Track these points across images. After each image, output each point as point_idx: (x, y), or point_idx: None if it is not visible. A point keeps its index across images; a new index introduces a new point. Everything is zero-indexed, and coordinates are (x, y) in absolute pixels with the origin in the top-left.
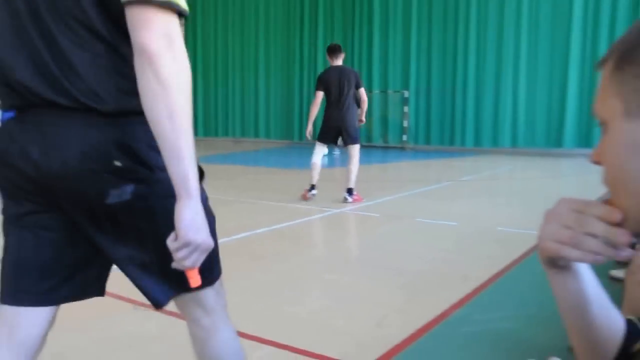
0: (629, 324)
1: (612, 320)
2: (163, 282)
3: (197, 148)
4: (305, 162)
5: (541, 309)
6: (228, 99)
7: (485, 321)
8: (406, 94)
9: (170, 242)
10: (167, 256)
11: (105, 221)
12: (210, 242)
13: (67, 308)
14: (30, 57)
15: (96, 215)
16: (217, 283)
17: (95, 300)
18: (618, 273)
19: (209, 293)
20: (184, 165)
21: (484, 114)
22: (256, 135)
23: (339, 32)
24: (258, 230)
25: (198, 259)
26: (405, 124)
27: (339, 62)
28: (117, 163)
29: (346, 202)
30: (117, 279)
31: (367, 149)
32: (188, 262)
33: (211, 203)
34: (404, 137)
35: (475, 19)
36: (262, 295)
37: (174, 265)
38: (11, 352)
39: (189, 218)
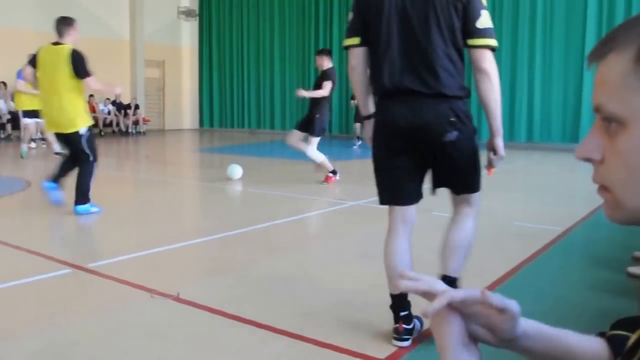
0: (610, 339)
1: (590, 351)
2: (459, 185)
3: (212, 139)
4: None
5: (557, 304)
6: (244, 90)
7: None
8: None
9: (492, 156)
10: (466, 171)
11: (438, 153)
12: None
13: (84, 295)
14: (410, 66)
15: (432, 149)
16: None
17: (112, 288)
18: (636, 270)
19: (476, 196)
20: (499, 121)
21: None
22: (272, 127)
23: None
24: (273, 222)
25: (499, 164)
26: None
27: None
28: (452, 118)
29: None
30: (134, 268)
31: None
32: (496, 165)
33: (225, 193)
34: None
35: (491, 15)
36: (278, 285)
37: (487, 165)
38: (405, 226)
39: (501, 145)
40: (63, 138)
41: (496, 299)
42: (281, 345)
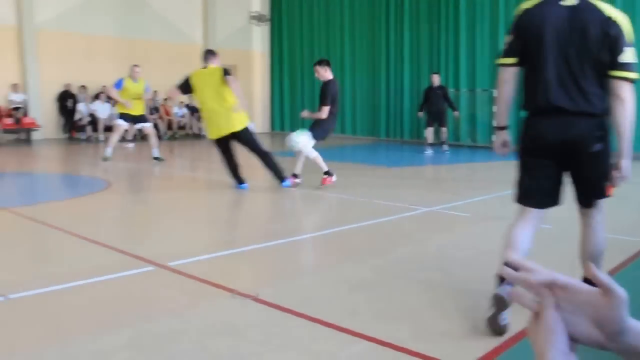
0: None
1: None
2: (597, 192)
3: (283, 143)
4: (392, 159)
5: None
6: (314, 95)
7: None
8: (495, 92)
9: (616, 174)
10: (602, 180)
11: (583, 162)
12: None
13: (167, 293)
14: (564, 89)
15: (579, 159)
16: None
17: (194, 287)
18: None
19: (603, 202)
20: (628, 144)
21: None
22: (342, 131)
23: (424, 27)
24: (347, 226)
25: (621, 183)
26: (494, 123)
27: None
28: (597, 133)
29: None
30: (213, 268)
31: (455, 148)
32: (618, 184)
33: (297, 196)
34: (493, 137)
35: None
36: (356, 289)
37: (610, 183)
38: (535, 216)
39: (627, 166)
40: (235, 138)
41: (604, 276)
42: (359, 349)
